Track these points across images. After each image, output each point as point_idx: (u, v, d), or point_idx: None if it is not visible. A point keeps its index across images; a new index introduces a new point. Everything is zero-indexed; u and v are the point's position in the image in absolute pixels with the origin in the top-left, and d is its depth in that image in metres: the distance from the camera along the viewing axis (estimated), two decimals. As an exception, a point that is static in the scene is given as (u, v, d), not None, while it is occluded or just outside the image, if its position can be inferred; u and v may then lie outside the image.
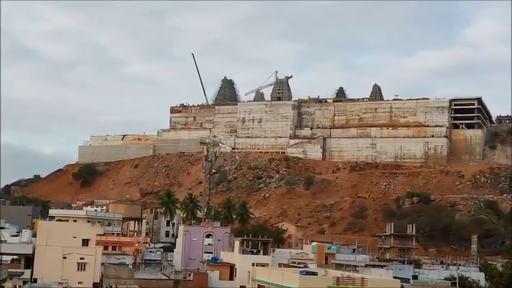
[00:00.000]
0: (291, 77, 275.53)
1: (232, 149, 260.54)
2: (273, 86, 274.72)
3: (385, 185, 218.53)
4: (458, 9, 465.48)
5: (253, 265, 61.25)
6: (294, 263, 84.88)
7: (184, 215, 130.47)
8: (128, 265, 77.13)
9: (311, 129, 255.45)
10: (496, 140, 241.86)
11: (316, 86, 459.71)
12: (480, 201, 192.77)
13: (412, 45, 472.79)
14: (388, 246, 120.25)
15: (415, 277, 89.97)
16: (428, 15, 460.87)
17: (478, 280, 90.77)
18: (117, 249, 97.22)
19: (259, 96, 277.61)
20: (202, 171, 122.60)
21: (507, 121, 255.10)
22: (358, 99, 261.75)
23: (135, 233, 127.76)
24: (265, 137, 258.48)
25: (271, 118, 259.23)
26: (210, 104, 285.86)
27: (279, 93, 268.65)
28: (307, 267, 67.66)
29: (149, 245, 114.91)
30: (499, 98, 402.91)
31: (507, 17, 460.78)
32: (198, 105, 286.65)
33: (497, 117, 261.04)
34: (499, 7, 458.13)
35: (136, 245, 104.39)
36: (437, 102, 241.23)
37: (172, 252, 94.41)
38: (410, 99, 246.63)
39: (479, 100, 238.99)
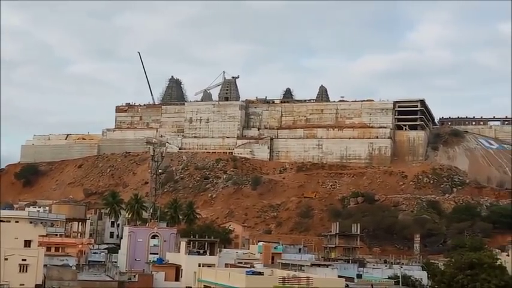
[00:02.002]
0: (238, 77, 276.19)
1: (179, 149, 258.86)
2: (220, 86, 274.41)
3: (331, 185, 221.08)
4: (402, 14, 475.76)
5: (199, 266, 60.90)
6: (241, 263, 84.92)
7: (130, 216, 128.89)
8: (71, 266, 75.57)
9: (258, 130, 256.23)
10: (438, 142, 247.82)
11: (264, 87, 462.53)
12: (423, 201, 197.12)
13: (358, 48, 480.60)
14: (333, 246, 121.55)
15: (359, 276, 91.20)
16: (373, 20, 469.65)
17: (421, 279, 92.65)
18: (60, 251, 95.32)
19: (207, 96, 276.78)
20: (149, 171, 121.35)
21: (449, 123, 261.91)
22: (305, 100, 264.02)
23: (79, 234, 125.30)
24: (212, 137, 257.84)
25: (219, 118, 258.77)
26: (156, 103, 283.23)
27: (226, 93, 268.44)
28: (253, 267, 67.75)
29: (93, 246, 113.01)
30: (442, 100, 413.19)
31: (449, 21, 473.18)
32: (144, 105, 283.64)
33: (440, 119, 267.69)
34: (441, 11, 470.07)
35: (80, 246, 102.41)
36: (382, 104, 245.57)
37: (117, 253, 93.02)
38: (355, 101, 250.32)
39: (422, 102, 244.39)
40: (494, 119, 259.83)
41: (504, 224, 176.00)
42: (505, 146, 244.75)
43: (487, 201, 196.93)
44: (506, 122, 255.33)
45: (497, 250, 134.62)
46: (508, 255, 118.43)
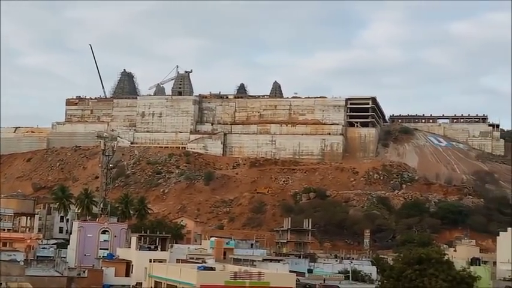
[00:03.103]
0: (191, 71, 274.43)
1: (131, 143, 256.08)
2: (174, 80, 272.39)
3: (284, 181, 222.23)
4: (355, 12, 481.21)
5: (150, 261, 60.35)
6: (192, 258, 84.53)
7: (79, 211, 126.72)
8: (19, 262, 73.81)
9: (212, 125, 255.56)
10: (388, 138, 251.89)
11: (218, 82, 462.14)
12: (373, 197, 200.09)
13: (311, 46, 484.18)
14: (285, 241, 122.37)
15: (310, 271, 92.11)
16: (326, 17, 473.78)
17: (370, 273, 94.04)
18: (7, 246, 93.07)
19: (160, 91, 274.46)
20: (99, 165, 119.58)
21: (399, 120, 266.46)
22: (259, 96, 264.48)
23: (27, 229, 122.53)
24: (165, 132, 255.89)
25: (172, 113, 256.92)
26: (108, 97, 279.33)
27: (180, 88, 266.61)
28: (205, 262, 67.50)
29: (42, 241, 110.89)
30: (392, 98, 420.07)
31: (401, 20, 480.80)
32: (95, 98, 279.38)
33: (390, 116, 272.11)
34: (393, 11, 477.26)
35: (28, 241, 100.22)
36: (334, 101, 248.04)
37: (66, 248, 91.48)
38: (308, 98, 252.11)
39: (373, 100, 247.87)
40: (443, 117, 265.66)
41: (451, 220, 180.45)
42: (454, 143, 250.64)
43: (435, 198, 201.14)
44: (455, 120, 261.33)
45: (444, 245, 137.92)
46: (455, 250, 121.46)
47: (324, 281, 76.60)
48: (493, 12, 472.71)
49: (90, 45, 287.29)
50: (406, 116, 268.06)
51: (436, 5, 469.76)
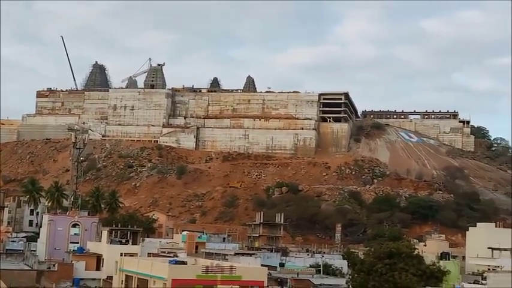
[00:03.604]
0: (164, 64, 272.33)
1: (103, 136, 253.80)
2: (146, 73, 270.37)
3: (256, 175, 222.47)
4: (329, 8, 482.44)
5: (121, 255, 59.90)
6: (164, 252, 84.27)
7: (50, 204, 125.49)
8: (-14, 256, 72.91)
9: (185, 119, 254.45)
10: (360, 134, 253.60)
11: (191, 76, 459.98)
12: (345, 192, 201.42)
13: (285, 41, 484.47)
14: (257, 235, 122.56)
15: (282, 265, 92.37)
16: (300, 13, 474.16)
17: (341, 267, 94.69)
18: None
19: (132, 84, 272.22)
20: (70, 158, 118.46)
21: (371, 116, 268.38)
22: (232, 90, 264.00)
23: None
24: (137, 125, 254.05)
25: (144, 106, 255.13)
26: (79, 89, 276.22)
27: (152, 81, 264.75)
28: (176, 256, 67.28)
29: (11, 234, 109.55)
30: (365, 93, 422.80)
31: (374, 17, 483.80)
32: (66, 90, 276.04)
33: (363, 112, 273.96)
34: (367, 7, 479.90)
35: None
36: (307, 96, 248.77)
37: (36, 242, 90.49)
38: (282, 92, 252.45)
39: (346, 95, 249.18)
40: (414, 113, 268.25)
41: (422, 214, 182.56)
42: (425, 139, 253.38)
43: (406, 193, 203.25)
44: (426, 116, 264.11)
45: (415, 240, 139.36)
46: (425, 245, 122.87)
47: (298, 274, 76.93)
48: (464, 10, 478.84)
49: (62, 37, 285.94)
50: (378, 111, 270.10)
51: (409, 3, 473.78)
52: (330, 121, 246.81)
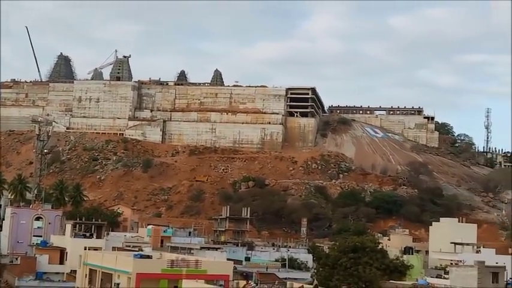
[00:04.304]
0: (130, 56, 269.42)
1: (67, 128, 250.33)
2: (112, 65, 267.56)
3: (223, 169, 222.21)
4: (297, 4, 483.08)
5: (85, 249, 59.37)
6: (129, 246, 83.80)
7: (12, 197, 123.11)
8: None
9: (151, 112, 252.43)
10: (327, 129, 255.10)
11: (158, 69, 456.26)
12: (311, 186, 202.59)
13: (252, 35, 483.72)
14: (223, 229, 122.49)
15: (247, 259, 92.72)
16: (268, 7, 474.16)
17: (306, 261, 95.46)
18: None
19: (97, 75, 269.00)
20: (34, 151, 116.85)
21: (338, 111, 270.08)
22: (200, 83, 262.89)
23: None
24: (102, 118, 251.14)
25: (110, 98, 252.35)
26: (44, 80, 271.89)
27: (118, 73, 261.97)
28: (141, 250, 66.95)
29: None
30: (331, 89, 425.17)
31: (341, 12, 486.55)
32: (30, 82, 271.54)
33: (329, 107, 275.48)
34: (334, 3, 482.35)
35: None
36: (275, 90, 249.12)
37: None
38: (249, 86, 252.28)
39: (313, 90, 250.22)
40: (380, 109, 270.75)
41: (386, 209, 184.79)
42: (390, 134, 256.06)
43: (371, 187, 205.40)
44: (391, 112, 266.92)
45: (379, 234, 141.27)
46: (389, 239, 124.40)
47: (267, 269, 77.28)
48: (430, 7, 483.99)
49: (26, 27, 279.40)
50: (344, 107, 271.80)
51: (377, 0, 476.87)
52: (297, 116, 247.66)
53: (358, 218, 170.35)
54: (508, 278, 68.18)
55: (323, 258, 71.48)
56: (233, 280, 49.86)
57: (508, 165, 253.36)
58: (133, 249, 74.06)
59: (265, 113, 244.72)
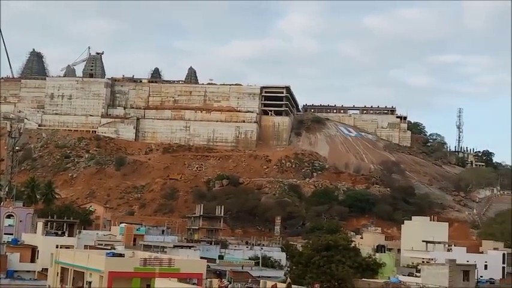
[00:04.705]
0: (103, 53, 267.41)
1: (39, 125, 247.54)
2: (85, 62, 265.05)
3: (197, 168, 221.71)
4: (272, 3, 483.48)
5: (57, 247, 58.70)
6: (101, 244, 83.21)
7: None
8: None
9: (124, 109, 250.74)
10: (301, 128, 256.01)
11: (132, 66, 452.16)
12: (285, 185, 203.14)
13: (228, 33, 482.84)
14: (197, 228, 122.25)
15: (221, 257, 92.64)
16: (244, 5, 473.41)
17: (280, 260, 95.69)
18: None
19: (70, 72, 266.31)
20: (5, 148, 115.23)
21: (312, 110, 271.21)
22: (174, 81, 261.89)
23: None
24: (75, 115, 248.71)
25: (83, 95, 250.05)
26: (15, 77, 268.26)
27: (91, 70, 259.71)
28: (114, 249, 66.50)
29: None
30: (306, 87, 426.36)
31: (316, 12, 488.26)
32: (2, 78, 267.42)
33: (303, 106, 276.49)
34: (309, 2, 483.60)
35: None
36: (249, 88, 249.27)
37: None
38: (224, 85, 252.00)
39: (287, 89, 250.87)
40: (353, 108, 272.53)
41: (359, 208, 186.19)
42: (363, 134, 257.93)
43: (344, 186, 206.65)
44: (365, 111, 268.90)
45: (352, 233, 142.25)
46: (362, 237, 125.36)
47: (243, 267, 77.26)
48: (403, 8, 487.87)
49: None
50: (318, 106, 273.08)
51: (351, 0, 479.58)
52: (271, 114, 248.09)
53: (332, 216, 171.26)
54: (479, 276, 69.24)
55: (296, 257, 71.75)
56: (206, 278, 49.71)
57: (479, 165, 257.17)
58: (105, 247, 73.53)
59: (239, 111, 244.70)
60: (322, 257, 65.66)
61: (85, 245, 73.49)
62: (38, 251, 67.22)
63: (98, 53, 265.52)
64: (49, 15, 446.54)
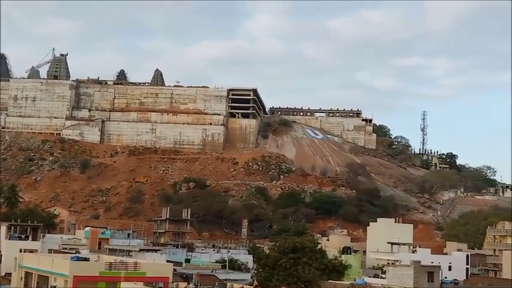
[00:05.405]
0: (67, 54, 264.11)
1: (2, 128, 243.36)
2: (50, 64, 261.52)
3: (163, 170, 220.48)
4: (238, 4, 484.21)
5: (20, 251, 57.86)
6: (66, 248, 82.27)
7: None
8: None
9: (89, 111, 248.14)
10: (268, 130, 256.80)
11: (97, 67, 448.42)
12: (252, 187, 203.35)
13: (194, 34, 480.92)
14: (163, 231, 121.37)
15: (187, 260, 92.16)
16: (210, 6, 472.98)
17: (247, 262, 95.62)
18: None
19: (34, 74, 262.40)
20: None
21: (279, 112, 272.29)
22: (140, 83, 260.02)
23: None
24: (39, 117, 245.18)
25: (47, 97, 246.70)
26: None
27: (56, 71, 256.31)
28: (79, 252, 65.75)
29: None
30: (273, 90, 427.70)
31: (282, 13, 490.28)
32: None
33: (270, 108, 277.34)
34: (275, 3, 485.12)
35: None
36: (216, 91, 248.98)
37: None
38: (190, 87, 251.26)
39: (254, 91, 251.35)
40: (320, 111, 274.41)
41: (325, 210, 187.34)
42: (329, 136, 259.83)
43: (310, 188, 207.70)
44: (331, 114, 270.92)
45: (318, 235, 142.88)
46: (328, 239, 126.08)
47: (213, 271, 76.97)
48: (368, 10, 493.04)
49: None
50: (285, 108, 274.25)
51: (316, 2, 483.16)
52: (238, 117, 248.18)
53: (298, 218, 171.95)
54: (443, 277, 70.19)
55: (263, 259, 71.69)
56: (173, 282, 49.53)
57: (443, 167, 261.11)
58: (70, 251, 72.76)
59: (206, 113, 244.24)
60: (289, 259, 65.78)
61: (49, 249, 72.59)
62: (1, 255, 66.12)
63: (62, 55, 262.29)
64: (12, 15, 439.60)
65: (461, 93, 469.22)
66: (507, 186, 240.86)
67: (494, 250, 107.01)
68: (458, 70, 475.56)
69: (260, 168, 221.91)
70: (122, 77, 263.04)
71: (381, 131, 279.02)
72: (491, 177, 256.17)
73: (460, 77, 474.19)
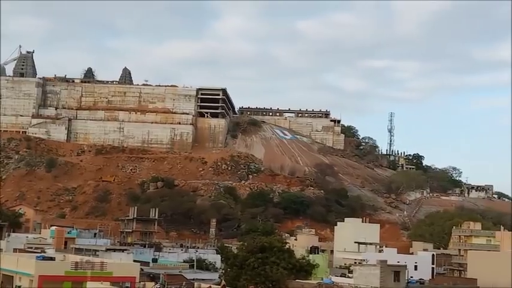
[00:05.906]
0: (34, 52, 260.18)
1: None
2: (16, 61, 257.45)
3: (131, 169, 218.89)
4: (208, 4, 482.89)
5: (-17, 251, 56.87)
6: (31, 248, 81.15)
7: None
8: None
9: (56, 109, 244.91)
10: (237, 130, 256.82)
11: (64, 65, 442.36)
12: (220, 187, 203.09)
13: (163, 34, 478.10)
14: (130, 230, 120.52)
15: (155, 260, 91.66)
16: (179, 6, 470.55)
17: (215, 262, 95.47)
18: None
19: (0, 71, 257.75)
20: None
21: (248, 112, 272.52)
22: (107, 81, 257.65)
23: None
24: (4, 115, 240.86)
25: (13, 95, 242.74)
26: None
27: (22, 69, 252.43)
28: (44, 252, 64.89)
29: None
30: (242, 90, 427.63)
31: (252, 14, 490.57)
32: None
33: (240, 108, 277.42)
34: (245, 4, 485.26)
35: None
36: (185, 90, 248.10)
37: None
38: (159, 86, 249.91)
39: (224, 91, 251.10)
40: (289, 111, 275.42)
41: (294, 210, 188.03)
42: (298, 136, 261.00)
43: (279, 188, 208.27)
44: (300, 115, 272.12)
45: (286, 234, 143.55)
46: (296, 239, 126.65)
47: (181, 270, 76.58)
48: (337, 12, 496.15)
49: None
50: (254, 108, 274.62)
51: (286, 3, 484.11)
52: (207, 116, 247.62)
53: (267, 218, 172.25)
54: (409, 277, 71.02)
55: (231, 259, 71.67)
56: (140, 282, 49.22)
57: (410, 168, 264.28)
58: (35, 251, 71.79)
59: (175, 113, 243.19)
60: (257, 259, 65.90)
61: (14, 249, 71.66)
62: (-37, 255, 64.65)
63: (28, 52, 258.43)
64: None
65: (428, 96, 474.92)
66: (472, 187, 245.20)
67: (460, 250, 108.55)
68: (425, 73, 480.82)
69: (229, 168, 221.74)
70: (89, 76, 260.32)
71: (349, 132, 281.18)
72: (457, 178, 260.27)
73: (427, 80, 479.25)
